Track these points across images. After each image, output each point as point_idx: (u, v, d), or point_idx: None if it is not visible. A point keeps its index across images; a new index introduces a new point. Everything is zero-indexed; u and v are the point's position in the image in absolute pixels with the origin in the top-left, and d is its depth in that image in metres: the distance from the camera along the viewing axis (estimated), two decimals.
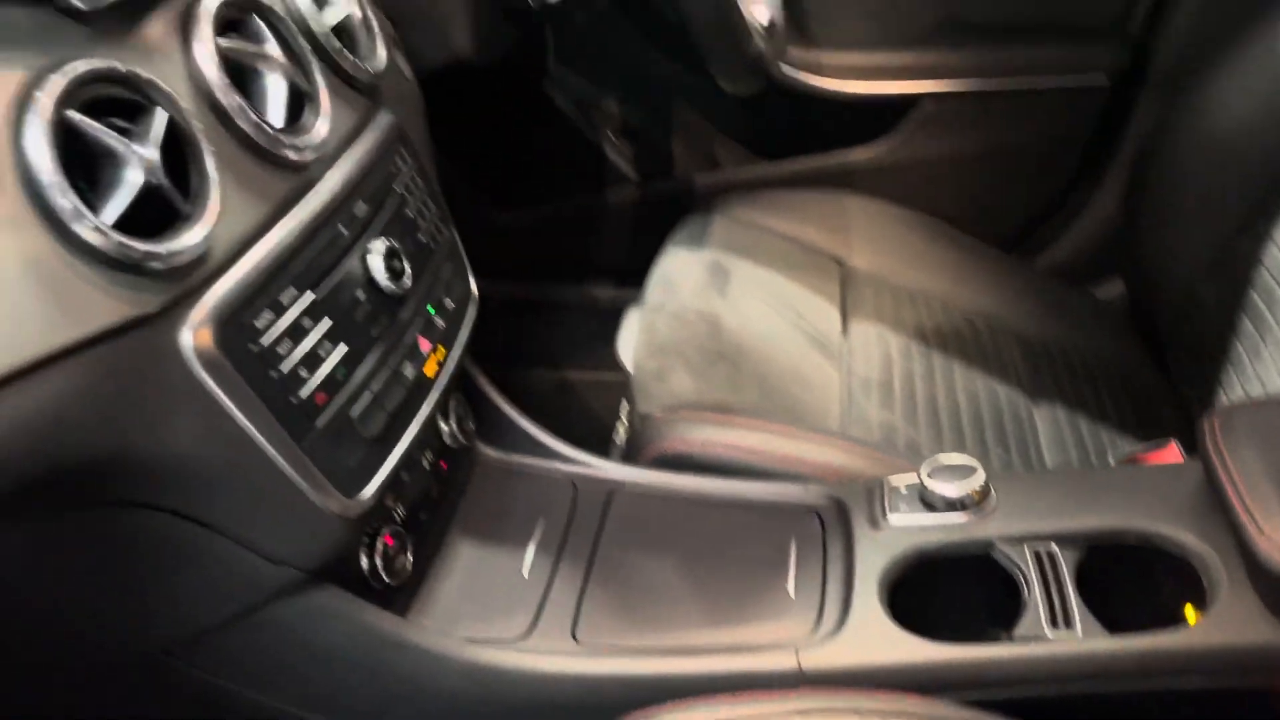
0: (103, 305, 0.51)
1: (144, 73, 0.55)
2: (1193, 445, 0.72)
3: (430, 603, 0.75)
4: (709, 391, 0.95)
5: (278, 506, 0.60)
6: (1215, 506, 0.65)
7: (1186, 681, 0.62)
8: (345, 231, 0.67)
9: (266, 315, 0.59)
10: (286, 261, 0.61)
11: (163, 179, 0.53)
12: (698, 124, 1.42)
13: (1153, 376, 1.13)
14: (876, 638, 0.66)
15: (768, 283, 1.12)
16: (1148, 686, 0.62)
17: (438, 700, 0.69)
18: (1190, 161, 1.05)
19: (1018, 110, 1.32)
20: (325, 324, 0.63)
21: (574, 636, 0.72)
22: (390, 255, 0.69)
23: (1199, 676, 0.62)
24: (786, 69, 1.29)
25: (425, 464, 0.79)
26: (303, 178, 0.66)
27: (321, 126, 0.67)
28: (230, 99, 0.60)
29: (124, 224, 0.52)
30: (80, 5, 0.52)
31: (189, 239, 0.54)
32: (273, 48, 0.66)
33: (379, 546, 0.71)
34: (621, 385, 1.01)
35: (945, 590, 0.73)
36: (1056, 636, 0.64)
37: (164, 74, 0.56)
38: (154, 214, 0.53)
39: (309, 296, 0.62)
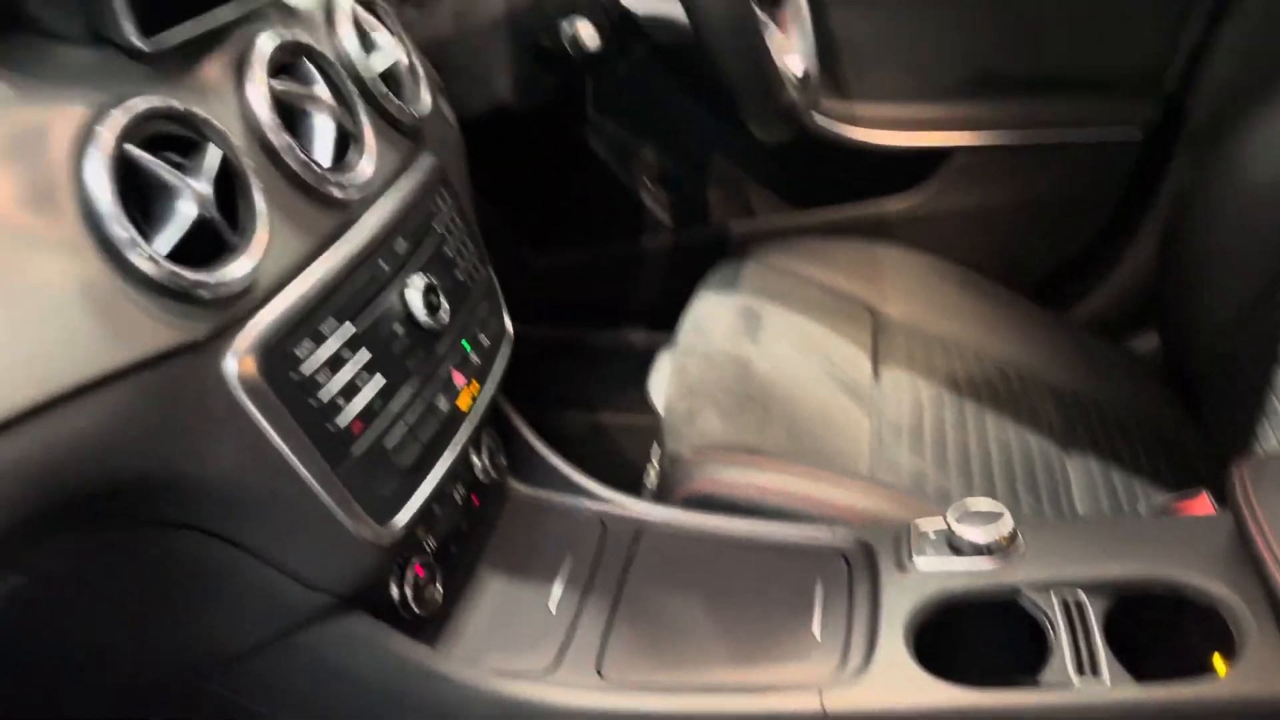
0: (153, 331, 0.53)
1: (200, 111, 0.57)
2: (1225, 497, 0.72)
3: (458, 634, 0.75)
4: (738, 434, 0.95)
5: (313, 531, 0.61)
6: (1245, 557, 0.64)
7: None
8: (385, 267, 0.69)
9: (308, 345, 0.61)
10: (328, 294, 0.63)
11: (214, 212, 0.56)
12: (733, 173, 1.44)
13: (1187, 429, 1.12)
14: (901, 681, 0.66)
15: (799, 328, 1.12)
16: None
17: None
18: (1225, 215, 1.05)
19: (1051, 162, 1.33)
20: (364, 355, 0.65)
21: (599, 672, 0.72)
22: (428, 291, 0.71)
23: None
24: (820, 119, 1.31)
25: (457, 497, 0.80)
26: (346, 214, 0.68)
27: (366, 166, 0.69)
28: (280, 138, 0.63)
29: (176, 254, 0.54)
30: (142, 47, 0.55)
31: (236, 270, 0.56)
32: (322, 90, 0.68)
33: (409, 576, 0.72)
34: (653, 429, 1.02)
35: (971, 635, 0.72)
36: (1083, 684, 0.63)
37: (218, 113, 0.59)
38: (204, 245, 0.55)
39: (349, 328, 0.64)
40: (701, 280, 1.20)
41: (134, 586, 0.62)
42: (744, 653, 0.73)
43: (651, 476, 1.01)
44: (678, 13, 0.79)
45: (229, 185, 0.58)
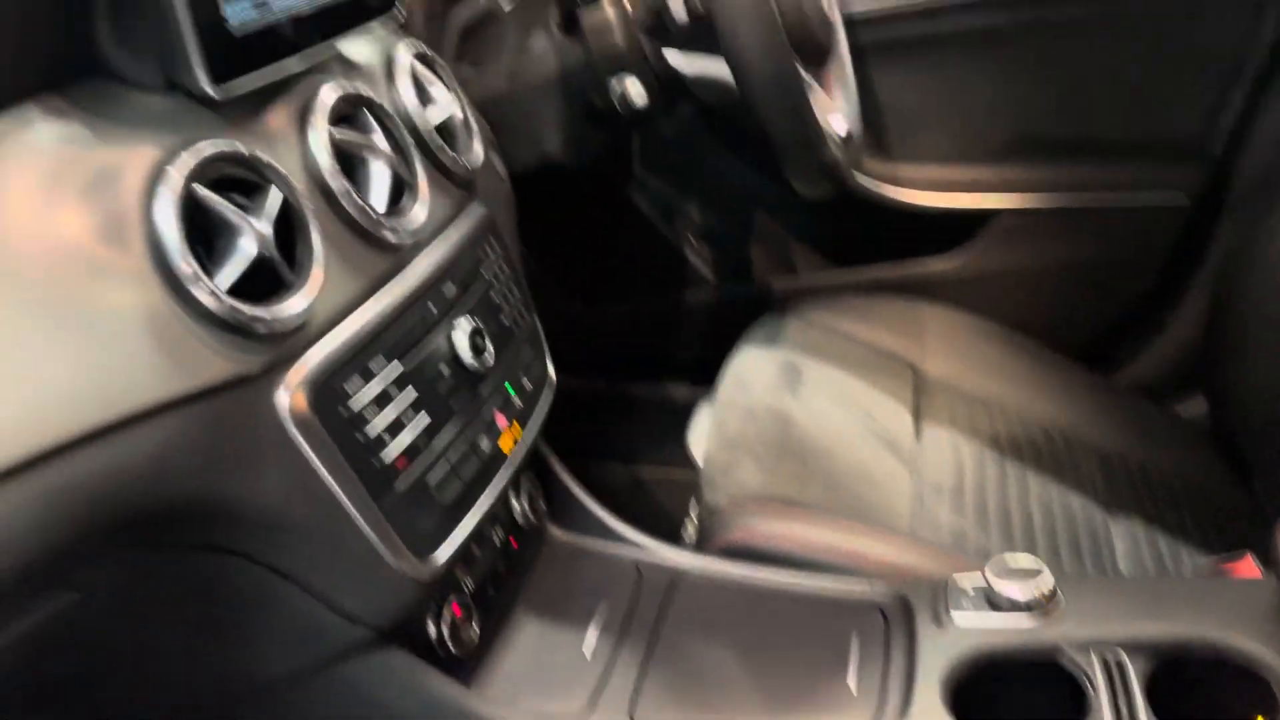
0: (211, 362, 0.55)
1: (263, 155, 0.60)
2: (1271, 559, 0.71)
3: (493, 675, 0.76)
4: (777, 486, 0.95)
5: (354, 563, 0.63)
6: None
7: None
8: (434, 309, 0.71)
9: (357, 381, 0.63)
10: (379, 333, 0.65)
11: (273, 251, 0.58)
12: (776, 231, 1.45)
13: (1234, 495, 1.10)
14: None
15: (839, 383, 1.13)
16: None
17: None
18: (1273, 280, 1.05)
19: (1096, 226, 1.33)
20: (410, 393, 0.67)
21: (631, 718, 0.72)
22: (474, 334, 0.73)
23: None
24: (863, 179, 1.33)
25: (496, 539, 0.81)
26: (398, 258, 0.70)
27: (419, 213, 0.71)
28: (338, 183, 0.65)
29: (235, 289, 0.56)
30: (213, 94, 0.57)
31: (292, 307, 0.58)
32: (380, 139, 0.71)
33: (447, 615, 0.73)
34: (692, 484, 1.02)
35: (1009, 693, 0.71)
36: None
37: (281, 157, 0.61)
38: (263, 282, 0.58)
39: (397, 367, 0.66)
40: (743, 335, 1.21)
41: (178, 609, 0.63)
42: (778, 704, 0.73)
43: (690, 530, 1.01)
44: (724, 72, 0.81)
45: (288, 226, 0.60)
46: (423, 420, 0.67)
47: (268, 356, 0.58)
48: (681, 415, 1.21)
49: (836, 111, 0.96)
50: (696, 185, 1.45)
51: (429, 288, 0.71)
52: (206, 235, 0.56)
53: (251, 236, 0.57)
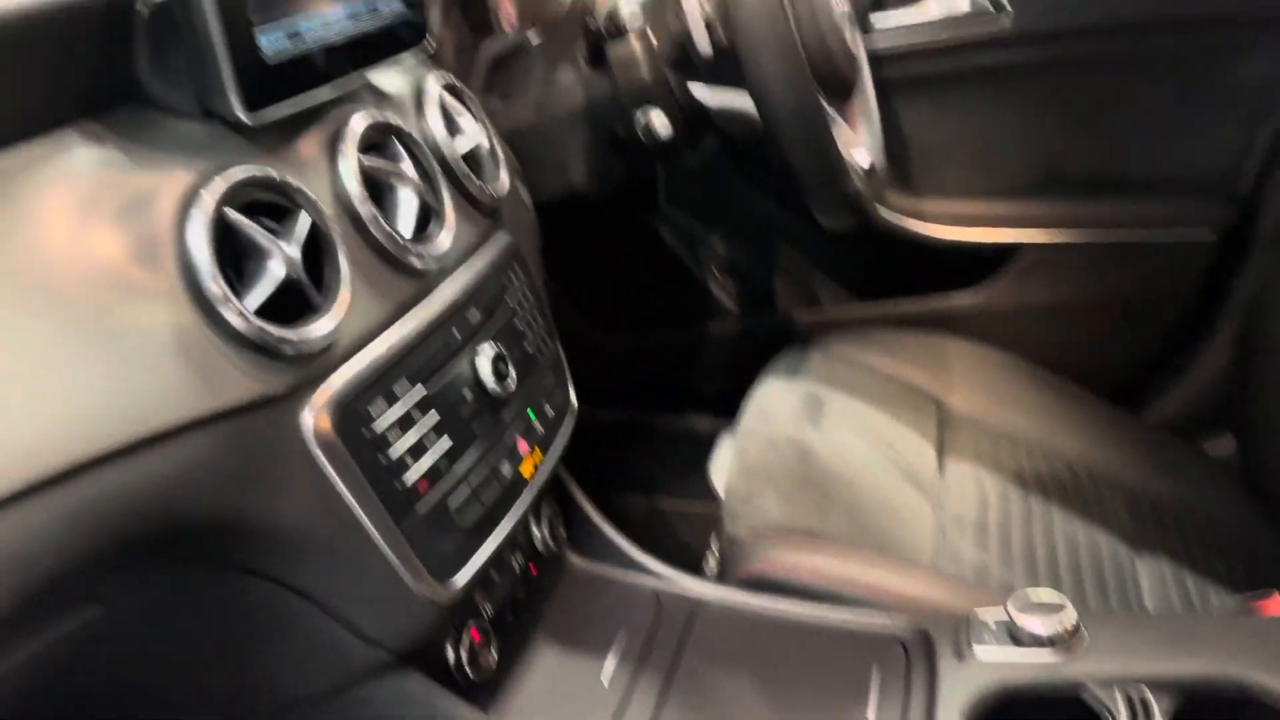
0: (238, 382, 0.56)
1: (294, 181, 0.61)
2: None
3: (510, 701, 0.76)
4: (797, 517, 0.95)
5: (374, 584, 0.63)
6: None
7: None
8: (458, 335, 0.72)
9: (381, 404, 0.64)
10: (403, 357, 0.66)
11: (301, 274, 0.59)
12: (800, 264, 1.46)
13: (1265, 534, 1.08)
14: None
15: (862, 416, 1.13)
16: None
17: None
18: None
19: (1122, 261, 1.33)
20: (433, 417, 0.67)
21: None
22: (497, 360, 0.73)
23: None
24: (886, 213, 1.33)
25: (515, 565, 0.81)
26: (424, 283, 0.71)
27: (445, 239, 0.72)
28: (366, 209, 0.66)
29: (263, 311, 0.57)
30: (246, 121, 0.59)
31: (319, 329, 0.59)
32: (408, 167, 0.72)
33: (465, 640, 0.73)
34: (713, 516, 1.02)
35: None
36: None
37: (311, 183, 0.63)
38: (290, 305, 0.59)
39: (420, 390, 0.67)
40: (766, 367, 1.21)
41: (200, 627, 0.64)
42: None
43: (711, 563, 1.01)
44: (747, 105, 0.82)
45: (317, 250, 0.61)
46: (445, 444, 0.68)
47: (294, 377, 0.59)
48: (704, 447, 1.21)
49: (860, 145, 0.96)
50: (720, 217, 1.46)
51: (454, 313, 0.72)
52: (237, 258, 0.58)
53: (280, 259, 0.58)
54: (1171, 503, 1.09)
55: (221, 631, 0.64)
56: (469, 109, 0.82)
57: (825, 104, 0.90)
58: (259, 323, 0.56)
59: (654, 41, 0.94)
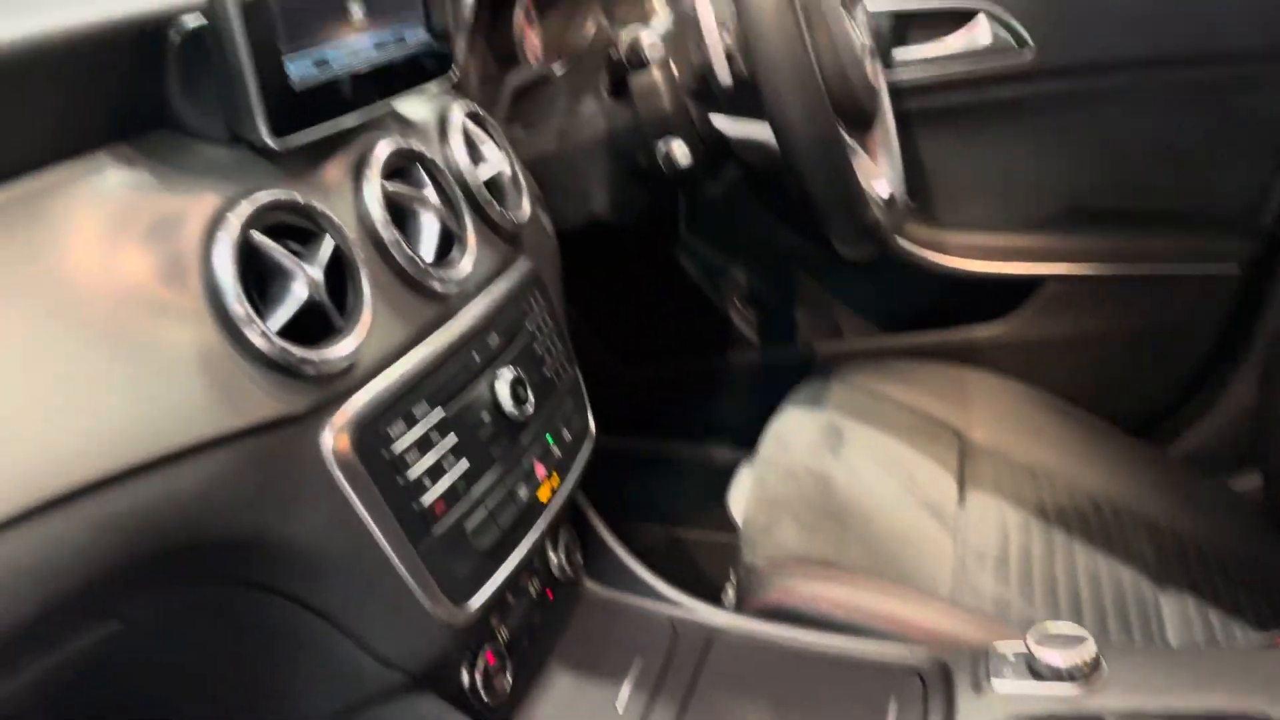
0: (259, 401, 0.56)
1: (318, 205, 0.62)
2: None
3: None
4: (816, 547, 0.95)
5: (390, 605, 0.63)
6: None
7: None
8: (477, 358, 0.72)
9: (399, 426, 0.64)
10: (422, 380, 0.67)
11: (323, 296, 0.60)
12: (821, 294, 1.46)
13: None
14: None
15: (882, 447, 1.12)
16: None
17: None
18: None
19: (1146, 295, 1.32)
20: (451, 439, 0.68)
21: None
22: (516, 383, 0.74)
23: None
24: (908, 245, 1.34)
25: (531, 590, 0.81)
26: (445, 307, 0.72)
27: (466, 264, 0.73)
28: (389, 233, 0.67)
29: (286, 332, 0.58)
30: (273, 146, 0.60)
31: (340, 350, 0.60)
32: (431, 193, 0.73)
33: (480, 664, 0.73)
34: (732, 546, 1.02)
35: None
36: None
37: (335, 207, 0.64)
38: (313, 326, 0.59)
39: (439, 413, 0.67)
40: (786, 397, 1.21)
41: (218, 644, 0.64)
42: None
43: (730, 594, 1.01)
44: (767, 135, 0.83)
45: (339, 273, 0.62)
46: (462, 466, 0.68)
47: (314, 398, 0.59)
48: (723, 477, 1.21)
49: (880, 177, 0.97)
50: (742, 246, 1.47)
51: (473, 337, 0.73)
52: (261, 279, 0.59)
53: (303, 281, 0.59)
54: (1196, 537, 1.08)
55: (237, 648, 0.65)
56: (492, 137, 0.83)
57: (845, 135, 0.91)
58: (281, 343, 0.57)
59: (675, 72, 0.95)
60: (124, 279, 0.53)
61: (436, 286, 0.70)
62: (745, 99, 0.89)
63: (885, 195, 0.94)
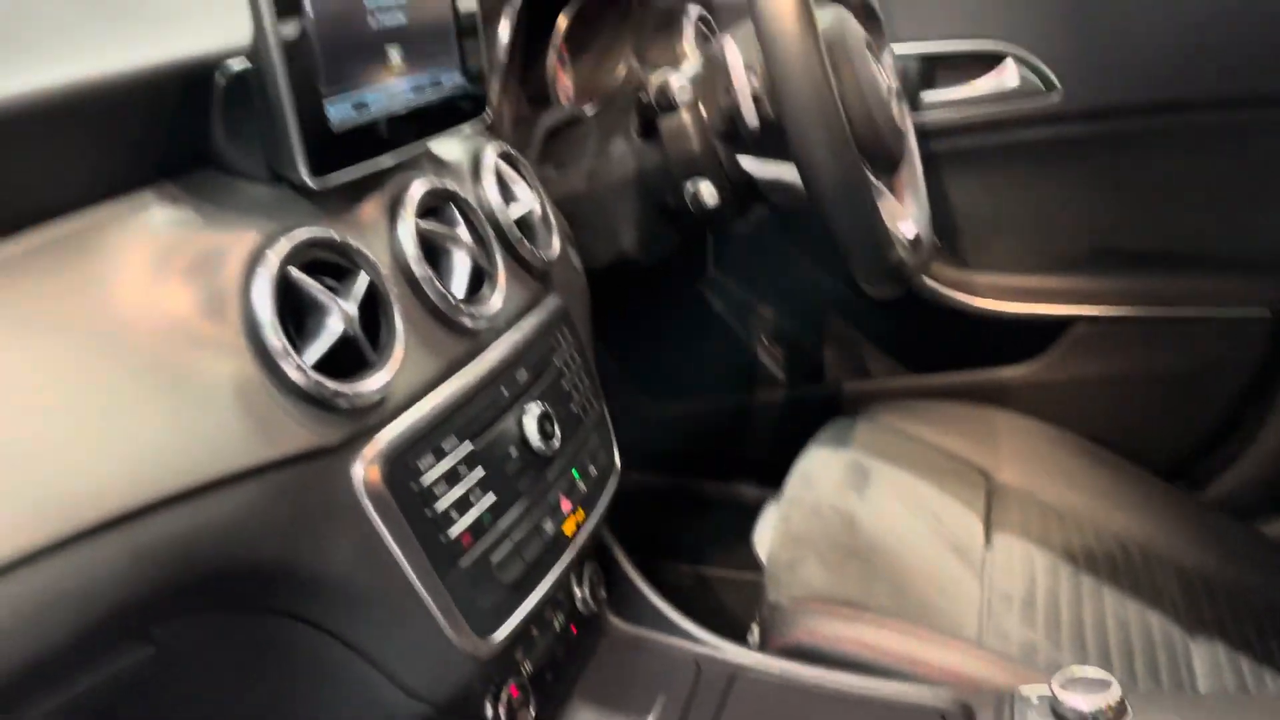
0: (294, 433, 0.58)
1: (354, 242, 0.63)
2: None
3: None
4: (840, 586, 0.95)
5: (416, 635, 0.64)
6: None
7: None
8: (506, 393, 0.74)
9: (429, 458, 0.65)
10: (452, 413, 0.68)
11: (358, 331, 0.61)
12: (849, 333, 1.46)
13: None
14: None
15: (909, 487, 1.12)
16: None
17: None
18: None
19: (1176, 336, 1.32)
20: (479, 473, 0.69)
21: None
22: (543, 418, 0.75)
23: None
24: (936, 285, 1.34)
25: (556, 624, 0.82)
26: (475, 342, 0.73)
27: (496, 301, 0.74)
28: (422, 270, 0.69)
29: (320, 365, 0.59)
30: (312, 185, 0.62)
31: (372, 384, 0.61)
32: (463, 232, 0.75)
33: (504, 697, 0.74)
34: (757, 584, 1.02)
35: None
36: None
37: (370, 244, 0.65)
38: (346, 359, 0.61)
39: (467, 446, 0.68)
40: (813, 436, 1.21)
41: (248, 672, 0.65)
42: None
43: (755, 633, 1.00)
44: (794, 177, 0.84)
45: (373, 308, 0.64)
46: (489, 499, 0.69)
47: (347, 430, 0.61)
48: (749, 515, 1.22)
49: (907, 218, 0.98)
50: (770, 285, 1.47)
51: (502, 372, 0.74)
52: (298, 313, 0.60)
53: (339, 316, 0.60)
54: (1226, 583, 1.07)
55: (266, 675, 0.66)
56: (524, 177, 0.85)
57: (871, 177, 0.92)
58: (316, 376, 0.58)
59: (704, 114, 0.96)
60: (167, 312, 0.55)
61: (467, 322, 0.71)
62: (772, 141, 0.90)
63: (911, 235, 0.95)
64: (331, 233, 0.62)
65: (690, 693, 0.84)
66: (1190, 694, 0.90)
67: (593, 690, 0.84)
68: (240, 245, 0.59)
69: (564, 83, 1.17)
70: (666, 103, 0.96)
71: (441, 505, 0.65)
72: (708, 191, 0.97)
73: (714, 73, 0.95)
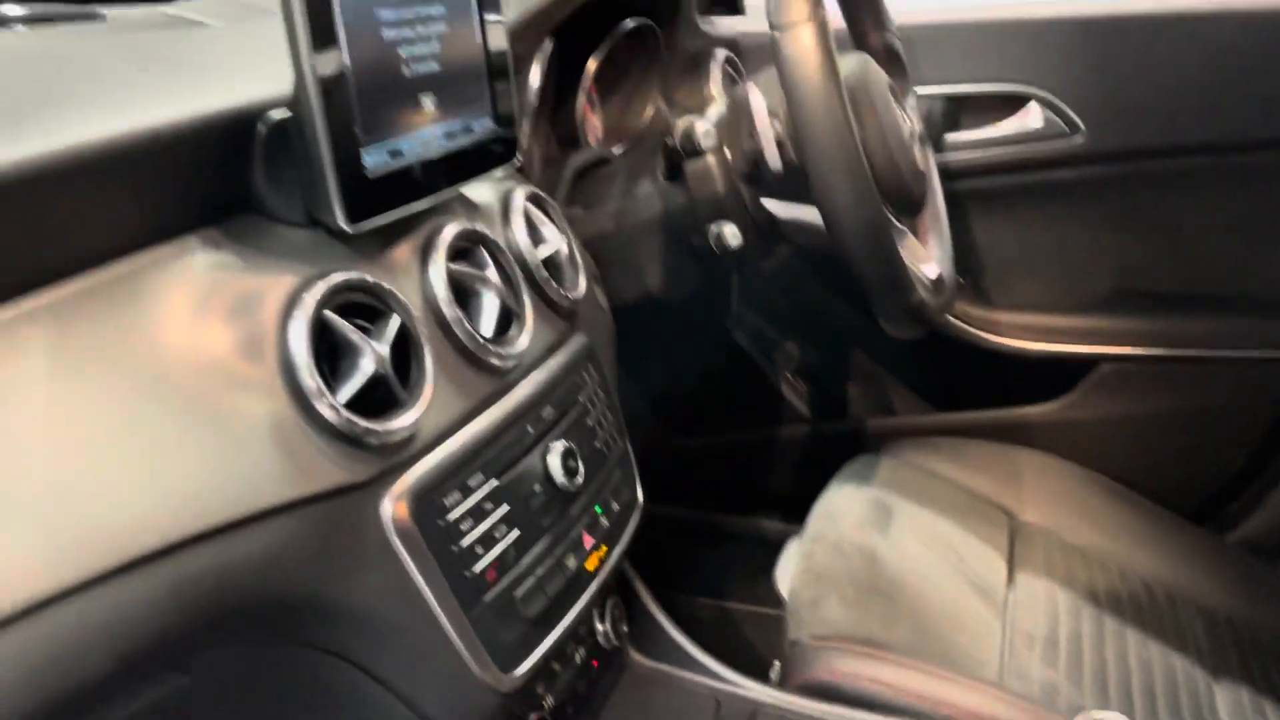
0: (326, 470, 0.60)
1: (387, 285, 0.65)
2: None
3: None
4: (861, 624, 0.95)
5: (440, 669, 0.66)
6: None
7: None
8: (531, 431, 0.75)
9: (455, 495, 0.67)
10: (478, 451, 0.70)
11: (389, 371, 0.63)
12: (873, 370, 1.47)
13: None
14: None
15: (931, 525, 1.12)
16: None
17: None
18: None
19: (1201, 378, 1.31)
20: (504, 509, 0.70)
21: None
22: (567, 455, 0.76)
23: None
24: (960, 324, 1.35)
25: (577, 659, 0.83)
26: (503, 381, 0.75)
27: (524, 340, 0.76)
28: (452, 311, 0.70)
29: (352, 403, 0.61)
30: (346, 229, 0.64)
31: (402, 422, 0.63)
32: (492, 273, 0.76)
33: None
34: (780, 621, 1.02)
35: None
36: None
37: (402, 286, 0.67)
38: (377, 397, 0.63)
39: (493, 483, 0.70)
40: (837, 473, 1.22)
41: (274, 700, 0.67)
42: None
43: (777, 670, 1.01)
44: (817, 218, 0.85)
45: (404, 347, 0.66)
46: (513, 535, 0.71)
47: (376, 467, 0.63)
48: (772, 550, 1.22)
49: (930, 260, 0.99)
50: (795, 320, 1.49)
51: (528, 410, 0.76)
52: (332, 353, 0.62)
53: (371, 357, 0.62)
54: (1253, 627, 1.06)
55: (294, 705, 0.67)
56: (551, 219, 0.87)
57: (894, 219, 0.93)
58: (348, 415, 0.60)
59: (728, 157, 0.98)
60: (207, 353, 0.57)
61: (495, 362, 0.73)
62: (795, 185, 0.92)
63: (933, 276, 0.96)
64: (365, 276, 0.64)
65: None
66: None
67: None
68: (278, 289, 0.61)
69: (593, 123, 1.19)
70: (692, 148, 0.98)
71: (467, 541, 0.67)
72: (731, 233, 0.98)
73: (738, 117, 0.97)
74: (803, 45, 0.78)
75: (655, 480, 0.93)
